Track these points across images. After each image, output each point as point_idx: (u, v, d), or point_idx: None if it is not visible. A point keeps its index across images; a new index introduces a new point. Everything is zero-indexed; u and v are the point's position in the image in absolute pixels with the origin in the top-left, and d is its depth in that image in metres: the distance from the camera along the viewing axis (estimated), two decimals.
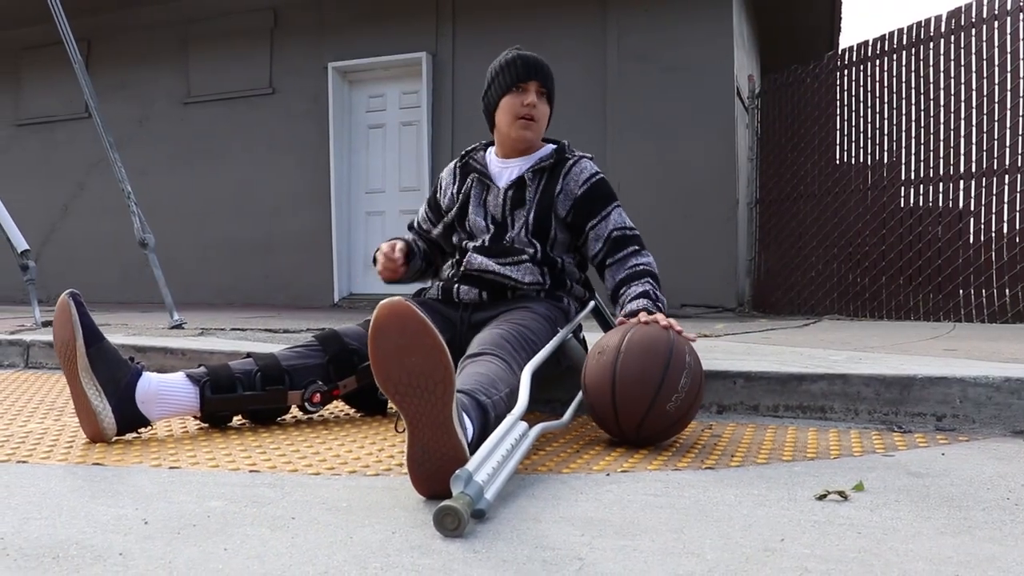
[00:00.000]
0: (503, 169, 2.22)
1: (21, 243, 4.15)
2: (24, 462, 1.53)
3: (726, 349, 2.61)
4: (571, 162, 2.19)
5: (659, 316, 1.81)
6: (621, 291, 2.05)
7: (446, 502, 1.10)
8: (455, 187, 2.27)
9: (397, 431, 1.80)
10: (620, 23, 6.62)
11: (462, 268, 2.13)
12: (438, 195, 2.33)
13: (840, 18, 9.37)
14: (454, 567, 0.98)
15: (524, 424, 1.46)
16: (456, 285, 2.13)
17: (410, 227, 2.44)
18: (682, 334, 1.75)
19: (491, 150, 2.30)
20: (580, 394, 1.86)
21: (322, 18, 7.66)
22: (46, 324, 4.01)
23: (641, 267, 2.07)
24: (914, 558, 1.02)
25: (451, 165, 2.34)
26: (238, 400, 1.81)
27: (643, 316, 1.81)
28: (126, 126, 8.18)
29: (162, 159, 8.12)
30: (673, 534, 1.12)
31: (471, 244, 2.15)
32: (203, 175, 8.02)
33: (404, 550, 1.05)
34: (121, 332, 3.60)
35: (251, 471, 1.47)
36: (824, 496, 1.31)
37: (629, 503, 1.27)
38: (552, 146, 2.23)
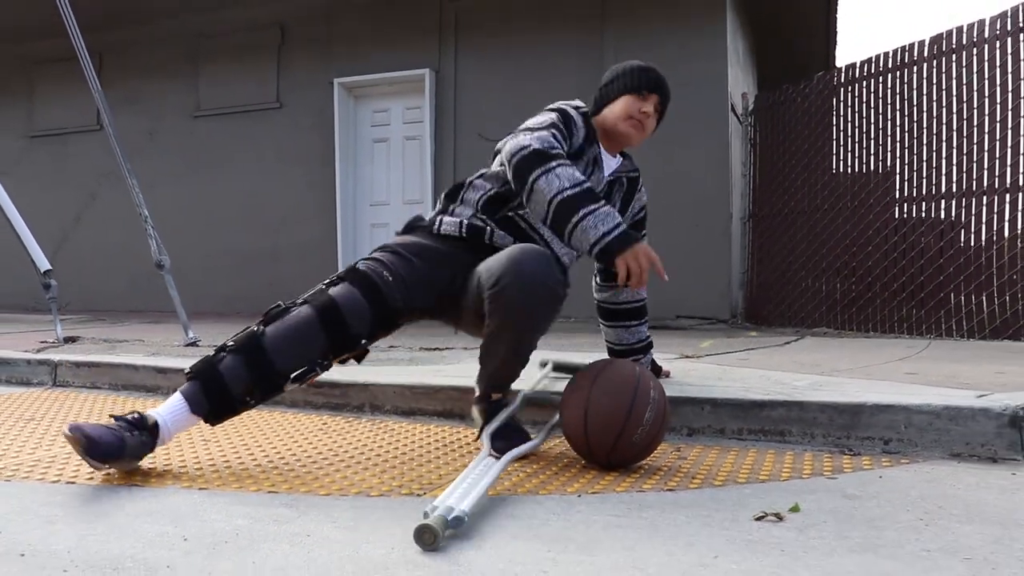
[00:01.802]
0: (606, 159, 2.32)
1: (44, 263, 4.37)
2: (72, 483, 1.75)
3: (702, 373, 2.82)
4: (641, 184, 2.45)
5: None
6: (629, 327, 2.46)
7: (423, 522, 1.34)
8: (578, 147, 2.22)
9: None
10: (617, 41, 6.84)
11: (522, 223, 2.14)
12: (571, 137, 2.19)
13: (835, 36, 9.58)
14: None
15: (491, 459, 1.71)
16: (493, 230, 2.13)
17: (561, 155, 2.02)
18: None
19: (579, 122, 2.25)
20: (554, 419, 2.09)
21: (328, 35, 7.89)
22: (68, 340, 4.24)
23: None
24: (821, 574, 1.24)
25: (577, 117, 2.22)
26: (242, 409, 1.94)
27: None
28: (136, 139, 8.41)
29: (171, 171, 8.35)
30: (626, 551, 1.33)
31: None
32: (212, 186, 8.26)
33: (401, 564, 1.27)
34: (139, 350, 3.82)
35: (270, 492, 1.69)
36: (762, 517, 1.52)
37: (594, 523, 1.49)
38: (623, 156, 2.40)
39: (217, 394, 1.85)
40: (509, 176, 2.01)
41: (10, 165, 9.25)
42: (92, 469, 1.78)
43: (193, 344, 3.97)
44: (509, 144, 2.02)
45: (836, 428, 2.18)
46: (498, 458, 1.77)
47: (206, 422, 1.87)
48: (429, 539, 1.33)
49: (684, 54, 6.61)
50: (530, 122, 2.13)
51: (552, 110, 2.20)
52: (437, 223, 2.16)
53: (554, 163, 1.93)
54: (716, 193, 6.56)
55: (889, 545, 1.37)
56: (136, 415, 1.80)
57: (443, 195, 2.27)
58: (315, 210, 7.79)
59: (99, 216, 8.88)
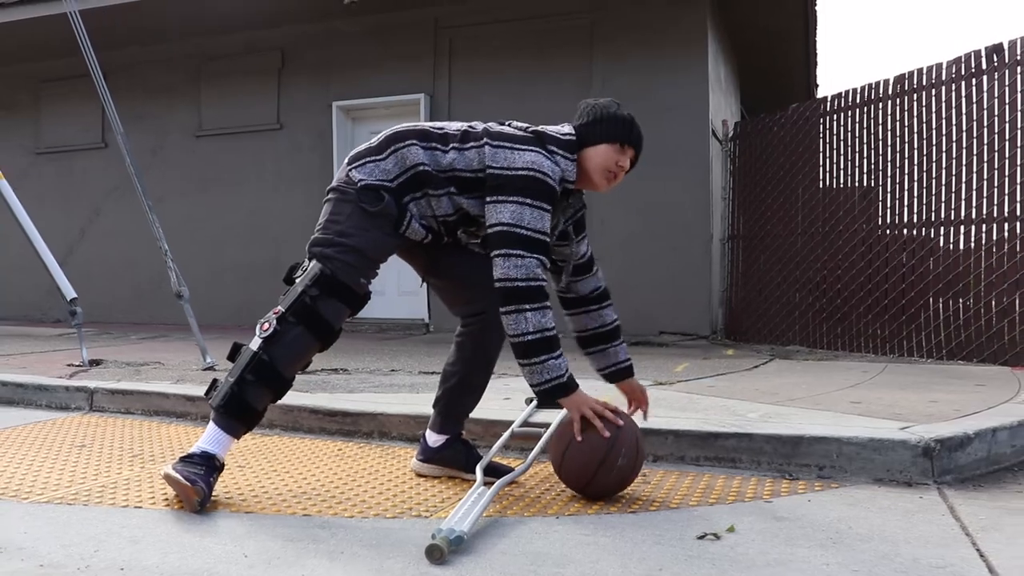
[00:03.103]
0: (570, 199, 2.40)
1: (70, 291, 4.72)
2: (139, 507, 2.11)
3: (670, 402, 3.20)
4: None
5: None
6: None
7: (432, 542, 1.72)
8: (553, 221, 2.34)
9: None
10: (605, 67, 7.23)
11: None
12: (557, 199, 2.28)
13: (815, 62, 9.99)
14: None
15: (484, 488, 2.07)
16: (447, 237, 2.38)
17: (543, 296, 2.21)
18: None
19: (569, 170, 2.31)
20: (540, 442, 2.46)
21: (327, 60, 8.25)
22: (93, 363, 4.59)
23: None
24: None
25: (556, 183, 2.25)
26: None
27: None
28: (141, 156, 8.73)
29: (176, 188, 8.69)
30: (591, 564, 1.70)
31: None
32: (215, 203, 8.61)
33: (417, 575, 1.63)
34: (161, 374, 4.18)
35: (304, 515, 2.06)
36: (703, 536, 1.90)
37: (567, 541, 1.86)
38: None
39: (249, 417, 2.22)
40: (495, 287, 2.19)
41: (17, 180, 9.50)
42: (152, 494, 2.14)
43: (211, 368, 4.32)
44: (501, 266, 2.16)
45: (779, 456, 2.55)
46: (490, 485, 2.13)
47: (237, 438, 2.25)
48: (437, 555, 1.70)
49: (667, 80, 7.01)
50: (527, 219, 2.17)
51: (535, 200, 2.19)
52: (404, 226, 2.29)
53: (526, 306, 2.16)
54: (697, 215, 6.95)
55: (798, 560, 1.75)
56: (210, 456, 2.15)
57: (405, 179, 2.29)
58: (314, 228, 8.13)
59: (104, 231, 9.22)
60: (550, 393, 2.22)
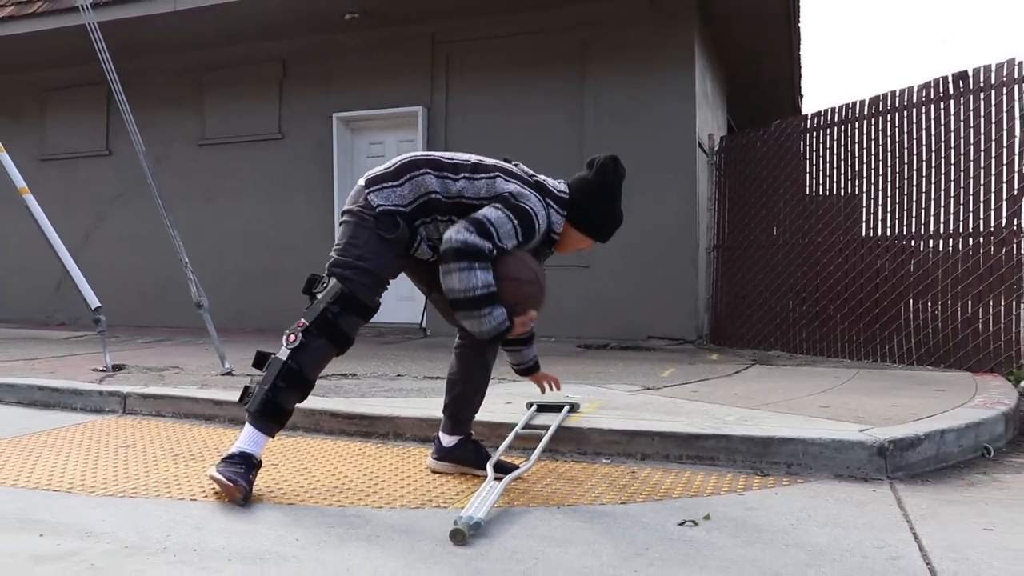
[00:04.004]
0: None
1: (94, 300, 5.01)
2: (195, 500, 2.43)
3: (656, 407, 3.53)
4: None
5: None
6: None
7: (455, 527, 2.04)
8: (534, 249, 2.65)
9: None
10: (595, 83, 7.57)
11: None
12: (528, 240, 2.57)
13: (800, 76, 10.35)
14: (468, 560, 1.89)
15: (495, 482, 2.39)
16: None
17: (491, 255, 2.45)
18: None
19: (556, 222, 2.67)
20: (542, 442, 2.76)
21: (327, 72, 8.55)
22: (116, 367, 4.88)
23: None
24: (708, 560, 1.93)
25: (545, 225, 2.61)
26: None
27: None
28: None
29: (179, 195, 8.96)
30: (588, 545, 2.03)
31: None
32: (218, 211, 8.90)
33: (440, 554, 1.96)
34: (183, 378, 4.48)
35: (339, 506, 2.38)
36: (683, 523, 2.22)
37: (568, 526, 2.19)
38: None
39: (282, 418, 2.55)
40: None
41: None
42: (203, 489, 2.45)
43: (229, 374, 4.62)
44: (456, 230, 2.43)
45: (752, 455, 2.88)
46: (500, 480, 2.45)
47: (272, 436, 2.56)
48: (460, 538, 2.02)
49: (656, 95, 7.35)
50: (501, 224, 2.47)
51: (514, 215, 2.50)
52: (415, 248, 2.61)
53: (476, 264, 2.41)
54: (685, 225, 7.30)
55: (762, 542, 2.08)
56: (248, 455, 2.46)
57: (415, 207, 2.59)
58: (315, 235, 8.44)
59: (109, 236, 9.49)
60: (500, 336, 2.50)
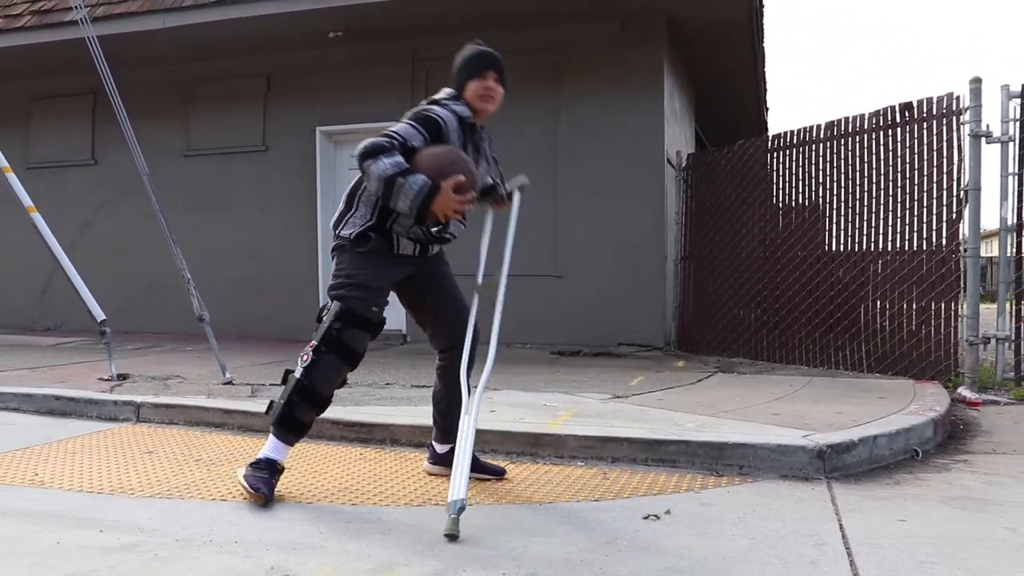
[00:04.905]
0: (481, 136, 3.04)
1: (99, 314, 5.31)
2: (224, 500, 2.78)
3: (625, 414, 3.93)
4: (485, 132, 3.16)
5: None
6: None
7: (450, 521, 2.38)
8: (460, 143, 2.91)
9: None
10: (568, 99, 7.97)
11: (443, 232, 2.95)
12: (441, 136, 2.83)
13: (765, 91, 10.84)
14: (467, 549, 2.27)
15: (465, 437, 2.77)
16: (429, 245, 2.99)
17: (395, 151, 2.73)
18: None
19: (462, 110, 2.93)
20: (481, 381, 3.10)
21: (311, 86, 8.87)
22: (121, 376, 5.18)
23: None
24: (667, 547, 2.33)
25: (454, 120, 2.88)
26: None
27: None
28: (131, 174, 9.18)
29: (165, 205, 9.21)
30: (566, 535, 2.42)
31: None
32: (204, 221, 9.17)
33: (444, 544, 2.34)
34: (190, 390, 4.80)
35: (352, 504, 2.75)
36: (647, 516, 2.62)
37: (548, 520, 2.58)
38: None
39: (299, 430, 2.91)
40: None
41: (7, 194, 10.02)
42: (231, 491, 2.81)
43: (229, 383, 4.95)
44: (362, 143, 2.73)
45: (709, 458, 3.29)
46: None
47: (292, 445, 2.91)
48: (453, 530, 2.39)
49: (626, 112, 7.76)
50: (401, 129, 2.79)
51: (413, 121, 2.82)
52: (396, 246, 2.93)
53: (382, 157, 2.69)
54: (654, 237, 7.72)
55: (713, 532, 2.48)
56: (273, 461, 2.81)
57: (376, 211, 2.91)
58: (298, 246, 8.77)
59: (95, 244, 9.72)
60: (428, 199, 2.71)
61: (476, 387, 2.81)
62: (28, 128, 10.31)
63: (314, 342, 2.90)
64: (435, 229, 2.95)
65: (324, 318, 2.93)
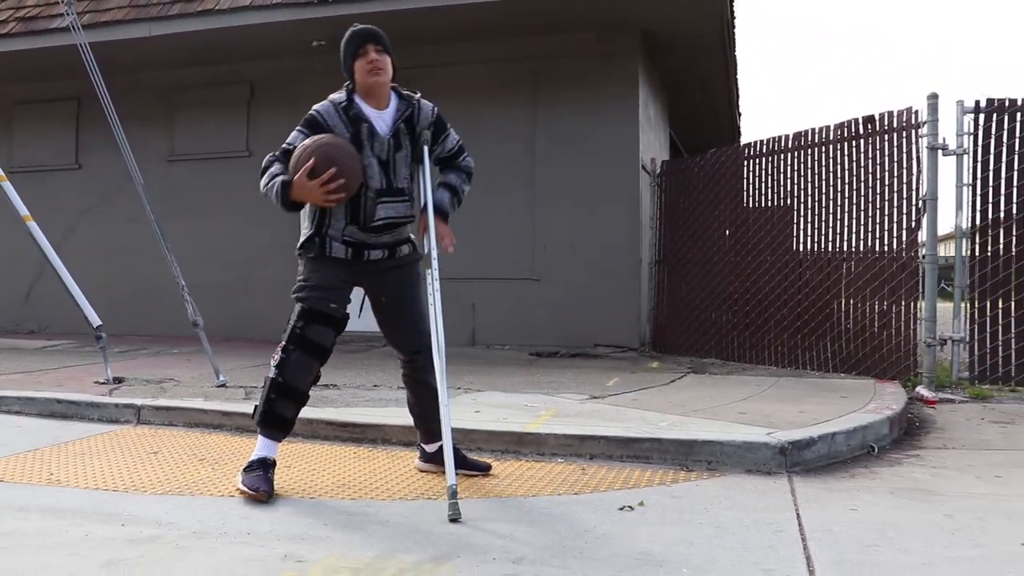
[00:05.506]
0: (378, 119, 3.09)
1: (95, 319, 5.48)
2: (232, 496, 2.99)
3: (602, 414, 4.18)
4: (417, 107, 3.19)
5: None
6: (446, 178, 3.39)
7: (450, 513, 2.62)
8: (349, 134, 3.02)
9: None
10: (546, 109, 8.23)
11: (372, 222, 3.06)
12: (324, 130, 3.00)
13: (738, 97, 11.15)
14: (461, 537, 2.50)
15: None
16: (367, 249, 3.11)
17: (276, 160, 3.02)
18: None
19: (357, 100, 3.08)
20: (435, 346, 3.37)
21: (294, 93, 9.02)
22: (116, 380, 5.36)
23: (464, 167, 3.47)
24: (640, 534, 2.58)
25: (331, 109, 3.05)
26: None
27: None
28: (115, 179, 9.39)
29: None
30: (550, 524, 2.67)
31: (371, 192, 3.02)
32: (188, 225, 9.30)
33: (441, 532, 2.58)
34: (186, 393, 4.99)
35: (351, 499, 2.97)
36: (623, 508, 2.86)
37: (533, 511, 2.82)
38: (397, 97, 3.17)
39: (282, 425, 3.13)
40: None
41: None
42: (236, 488, 3.03)
43: (223, 386, 5.14)
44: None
45: (680, 455, 3.54)
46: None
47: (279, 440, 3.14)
48: (455, 514, 2.63)
49: (602, 120, 8.03)
50: (290, 137, 3.06)
51: (300, 124, 3.05)
52: (328, 248, 3.10)
53: (268, 172, 3.00)
54: (629, 241, 7.99)
55: (683, 522, 2.73)
56: (263, 459, 3.03)
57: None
58: (281, 249, 8.89)
59: (78, 248, 9.77)
60: (283, 199, 2.94)
61: (441, 383, 3.00)
62: (11, 132, 10.40)
63: (283, 342, 3.13)
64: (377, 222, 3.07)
65: (289, 319, 3.15)
